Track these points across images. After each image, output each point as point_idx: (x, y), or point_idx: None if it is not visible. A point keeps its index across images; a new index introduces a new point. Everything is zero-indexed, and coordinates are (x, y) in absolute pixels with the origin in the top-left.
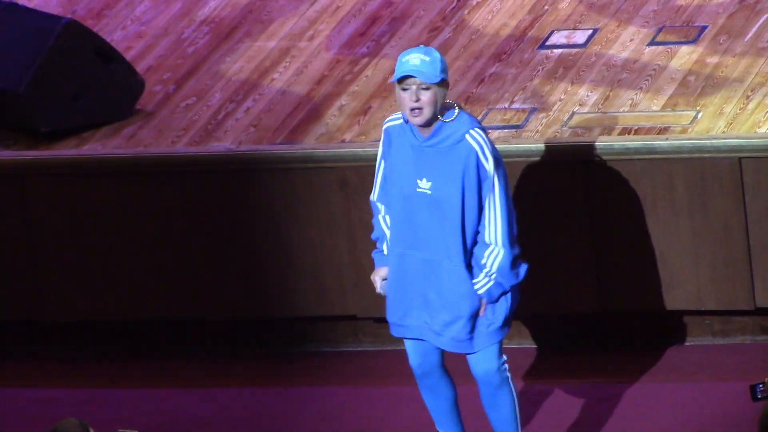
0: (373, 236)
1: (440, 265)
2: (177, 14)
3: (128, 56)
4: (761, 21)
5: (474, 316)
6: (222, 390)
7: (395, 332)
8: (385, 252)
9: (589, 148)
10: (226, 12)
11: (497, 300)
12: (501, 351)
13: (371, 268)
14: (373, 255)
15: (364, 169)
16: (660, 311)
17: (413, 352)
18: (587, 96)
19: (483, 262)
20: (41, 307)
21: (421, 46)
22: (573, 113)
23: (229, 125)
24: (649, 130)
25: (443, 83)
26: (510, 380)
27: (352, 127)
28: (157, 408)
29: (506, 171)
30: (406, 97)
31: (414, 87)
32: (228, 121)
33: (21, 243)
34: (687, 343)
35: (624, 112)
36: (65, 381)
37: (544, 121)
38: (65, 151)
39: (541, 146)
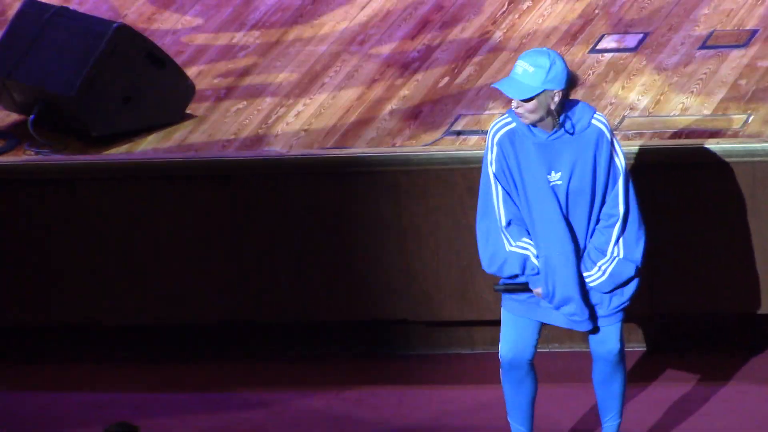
0: (516, 271)
1: (574, 253)
2: (227, 19)
3: (179, 60)
4: None
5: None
6: (273, 394)
7: (506, 306)
8: (537, 263)
9: (641, 152)
10: (276, 16)
11: (627, 283)
12: (622, 332)
13: (422, 271)
14: (529, 279)
15: (416, 173)
16: (715, 314)
17: (510, 344)
18: (638, 100)
19: (608, 249)
20: (99, 311)
21: (537, 51)
22: (624, 117)
23: (279, 129)
24: (700, 134)
25: (547, 93)
26: (625, 360)
27: (403, 131)
28: (207, 412)
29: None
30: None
31: None
32: (278, 126)
33: (74, 248)
34: (741, 347)
35: (675, 116)
36: (120, 385)
37: None
38: (116, 155)
39: None
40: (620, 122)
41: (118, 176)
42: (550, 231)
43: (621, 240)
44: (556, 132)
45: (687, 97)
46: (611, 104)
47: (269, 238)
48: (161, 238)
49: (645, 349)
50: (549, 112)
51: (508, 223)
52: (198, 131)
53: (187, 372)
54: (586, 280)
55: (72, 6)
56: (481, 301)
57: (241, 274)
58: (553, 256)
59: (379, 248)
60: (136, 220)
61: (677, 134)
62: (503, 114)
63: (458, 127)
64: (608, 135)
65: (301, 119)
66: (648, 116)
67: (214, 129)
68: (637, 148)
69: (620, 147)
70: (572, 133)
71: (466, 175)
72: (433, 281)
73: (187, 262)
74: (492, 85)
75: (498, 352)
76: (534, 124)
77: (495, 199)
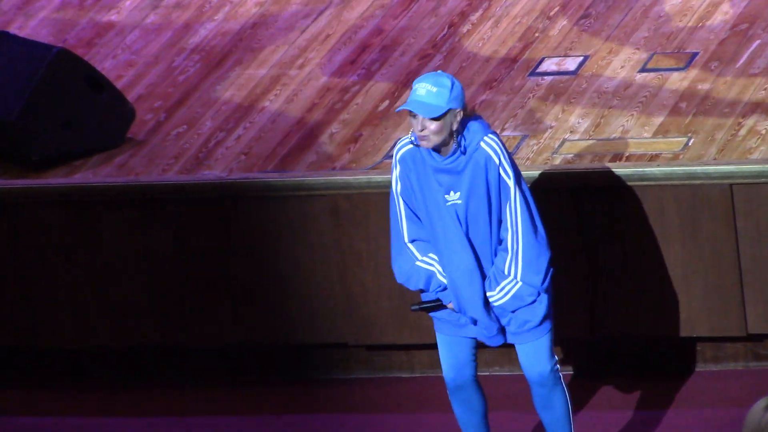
0: (421, 285)
1: (478, 271)
2: (167, 43)
3: (119, 85)
4: (753, 47)
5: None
6: (211, 418)
7: (437, 327)
8: (445, 281)
9: (581, 175)
10: (216, 40)
11: (531, 303)
12: (552, 353)
13: (362, 295)
14: (438, 296)
15: (356, 196)
16: (652, 338)
17: (450, 365)
18: (578, 123)
19: (505, 269)
20: (33, 335)
21: (435, 73)
22: (564, 140)
23: (219, 153)
24: (640, 157)
25: (452, 111)
26: (562, 380)
27: (343, 155)
28: None
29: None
30: (414, 124)
31: (420, 117)
32: (219, 149)
33: (12, 272)
34: (679, 371)
35: (615, 138)
36: (57, 408)
37: (536, 148)
38: (56, 179)
39: (533, 173)
40: (560, 145)
41: (57, 200)
42: (451, 250)
43: (519, 264)
44: (452, 155)
45: (627, 120)
46: (551, 127)
47: (209, 262)
48: (100, 262)
49: (584, 373)
50: (451, 133)
51: (413, 240)
52: (138, 155)
53: (123, 396)
54: (490, 300)
55: (12, 30)
56: (421, 325)
57: (179, 298)
58: (457, 276)
59: (320, 272)
60: (75, 244)
61: (618, 157)
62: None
63: None
64: (496, 158)
65: (241, 143)
66: (588, 139)
67: (154, 153)
68: (577, 171)
69: (511, 168)
70: (460, 155)
71: None
72: (373, 305)
73: (125, 286)
74: (397, 109)
75: (442, 376)
76: (434, 149)
77: (399, 216)
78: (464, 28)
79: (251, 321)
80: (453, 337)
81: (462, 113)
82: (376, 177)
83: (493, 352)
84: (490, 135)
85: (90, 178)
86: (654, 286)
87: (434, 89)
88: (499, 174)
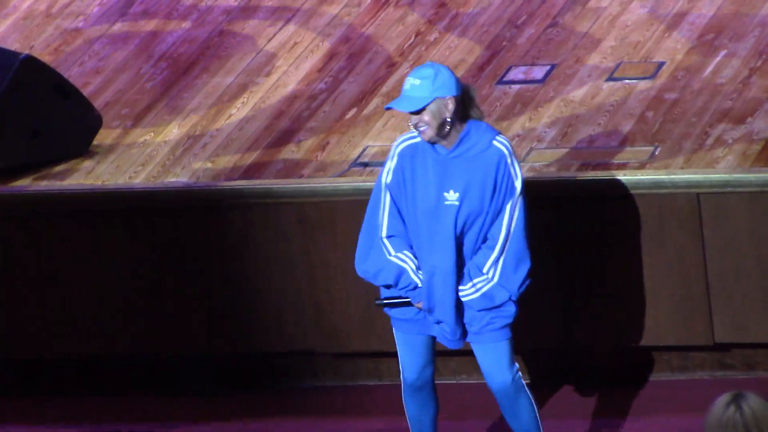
0: (390, 281)
1: (455, 274)
2: (135, 50)
3: (86, 92)
4: (719, 57)
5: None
6: (180, 426)
7: (396, 326)
8: (418, 280)
9: (548, 184)
10: (183, 48)
11: (500, 306)
12: (512, 360)
13: (330, 303)
14: (406, 294)
15: (323, 204)
16: (619, 348)
17: (410, 365)
18: (545, 132)
19: (485, 267)
20: (4, 345)
21: (422, 65)
22: (531, 149)
23: (186, 161)
24: (607, 166)
25: (439, 100)
26: (526, 388)
27: (311, 162)
28: None
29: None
30: (412, 118)
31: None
32: (186, 157)
33: None
34: (651, 379)
35: (582, 147)
36: (23, 418)
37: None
38: (22, 187)
39: None
40: (527, 154)
41: (23, 208)
42: (437, 249)
43: (499, 264)
44: (456, 149)
45: (594, 129)
46: (518, 136)
47: (176, 270)
48: (66, 269)
49: (552, 383)
50: (445, 122)
51: (390, 236)
52: (105, 162)
53: (95, 405)
54: (460, 294)
55: None
56: (388, 333)
57: (147, 307)
58: (435, 275)
59: (287, 280)
60: (40, 251)
61: (585, 166)
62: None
63: (366, 158)
64: (509, 158)
65: (207, 150)
66: (555, 148)
67: (121, 160)
68: (544, 180)
69: (520, 172)
70: (470, 153)
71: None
72: (340, 313)
73: (92, 294)
74: (385, 107)
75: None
76: (436, 142)
77: (382, 209)
78: (431, 37)
79: (218, 329)
80: (413, 336)
81: (454, 100)
82: (344, 185)
83: (460, 361)
84: (501, 136)
85: (56, 186)
86: (621, 295)
87: (417, 82)
88: (510, 174)
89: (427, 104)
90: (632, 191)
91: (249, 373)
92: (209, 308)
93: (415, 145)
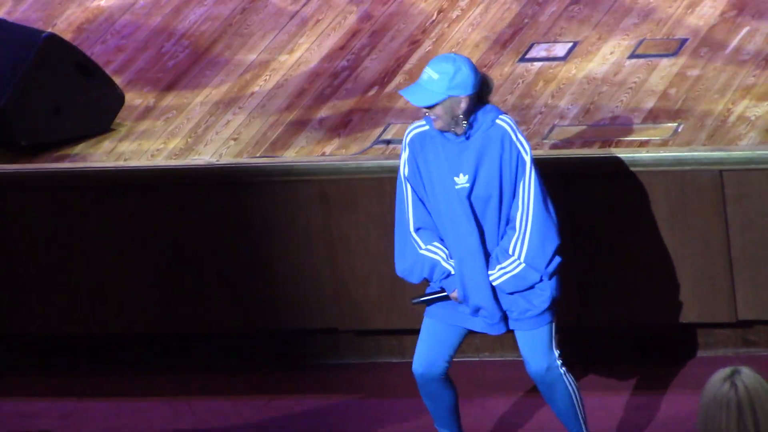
0: (425, 275)
1: (483, 255)
2: (157, 28)
3: (108, 70)
4: (742, 33)
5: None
6: (201, 402)
7: (429, 313)
8: (451, 268)
9: (570, 161)
10: (206, 26)
11: (531, 287)
12: (550, 347)
13: (352, 280)
14: (441, 284)
15: (345, 182)
16: (641, 325)
17: (420, 358)
18: (568, 109)
19: (510, 248)
20: (22, 321)
21: (444, 57)
22: (553, 126)
23: (209, 138)
24: (629, 143)
25: (453, 99)
26: (565, 376)
27: (333, 140)
28: (136, 420)
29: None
30: None
31: None
32: (208, 135)
33: (0, 257)
34: (669, 357)
35: (604, 125)
36: (45, 394)
37: (525, 133)
38: (45, 164)
39: None
40: (550, 131)
41: (46, 185)
42: (458, 234)
43: (525, 244)
44: (464, 135)
45: (617, 106)
46: (541, 113)
47: (198, 248)
48: (89, 247)
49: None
50: (456, 118)
51: (418, 228)
52: (127, 140)
53: (115, 381)
54: (490, 278)
55: (0, 15)
56: (410, 310)
57: (170, 284)
58: (464, 260)
59: (309, 257)
60: (64, 230)
61: (607, 143)
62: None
63: (388, 136)
64: (512, 134)
65: (230, 128)
66: (578, 125)
67: (143, 138)
68: (567, 157)
69: (528, 146)
70: (476, 135)
71: (395, 184)
72: (362, 290)
73: (114, 271)
74: (399, 92)
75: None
76: (447, 131)
77: (406, 202)
78: (453, 14)
79: (240, 307)
80: (443, 325)
81: (468, 99)
82: (366, 162)
83: (483, 338)
84: (504, 115)
85: (78, 164)
86: (644, 272)
87: (435, 76)
88: (517, 150)
89: (440, 101)
90: (655, 168)
91: (271, 350)
92: (230, 285)
93: (425, 132)
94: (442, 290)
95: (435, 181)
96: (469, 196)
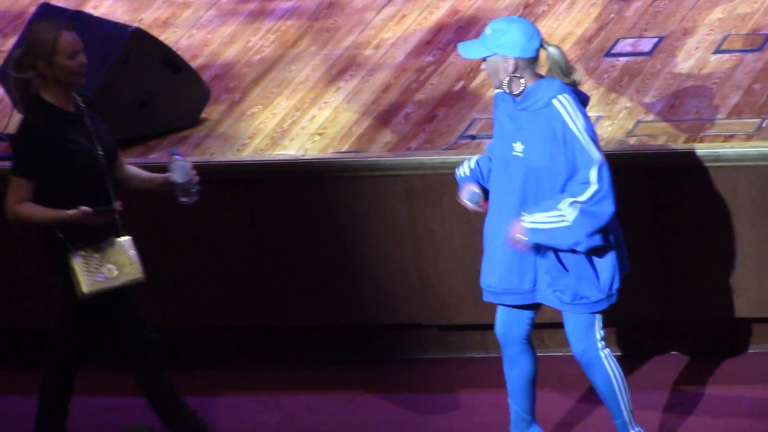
0: (459, 182)
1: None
2: (243, 23)
3: (194, 64)
4: None
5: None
6: (288, 397)
7: (486, 297)
8: (466, 168)
9: (655, 156)
10: (292, 20)
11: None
12: (591, 330)
13: (437, 275)
14: (455, 176)
15: (430, 177)
16: (725, 318)
17: (499, 320)
18: (653, 104)
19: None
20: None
21: (507, 17)
22: (638, 121)
23: (294, 133)
24: (714, 138)
25: (499, 57)
26: (605, 360)
27: (418, 135)
28: (224, 415)
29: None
30: None
31: None
32: (294, 130)
33: None
34: (751, 351)
35: (689, 119)
36: (129, 389)
37: (610, 128)
38: (132, 159)
39: (607, 153)
40: (635, 126)
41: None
42: (502, 190)
43: (578, 209)
44: (520, 103)
45: (701, 101)
46: (626, 108)
47: (283, 243)
48: (174, 242)
49: (655, 353)
50: (506, 79)
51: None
52: (213, 135)
53: (200, 375)
54: (524, 220)
55: (87, 10)
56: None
57: (256, 279)
58: (500, 214)
59: (394, 252)
60: (151, 223)
61: (692, 138)
62: None
63: (473, 130)
64: (566, 116)
65: (315, 123)
66: (663, 120)
67: (229, 133)
68: (651, 152)
69: (587, 130)
70: (531, 108)
71: None
72: (447, 285)
73: (200, 266)
74: (457, 44)
75: None
76: (498, 88)
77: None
78: (539, 9)
79: (326, 301)
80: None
81: (516, 62)
82: (451, 157)
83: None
84: (563, 94)
85: (165, 158)
86: (725, 266)
87: (489, 31)
88: (571, 131)
89: (486, 57)
90: (739, 163)
91: (355, 344)
92: (316, 280)
93: (502, 93)
94: None
95: (499, 139)
96: (522, 166)
